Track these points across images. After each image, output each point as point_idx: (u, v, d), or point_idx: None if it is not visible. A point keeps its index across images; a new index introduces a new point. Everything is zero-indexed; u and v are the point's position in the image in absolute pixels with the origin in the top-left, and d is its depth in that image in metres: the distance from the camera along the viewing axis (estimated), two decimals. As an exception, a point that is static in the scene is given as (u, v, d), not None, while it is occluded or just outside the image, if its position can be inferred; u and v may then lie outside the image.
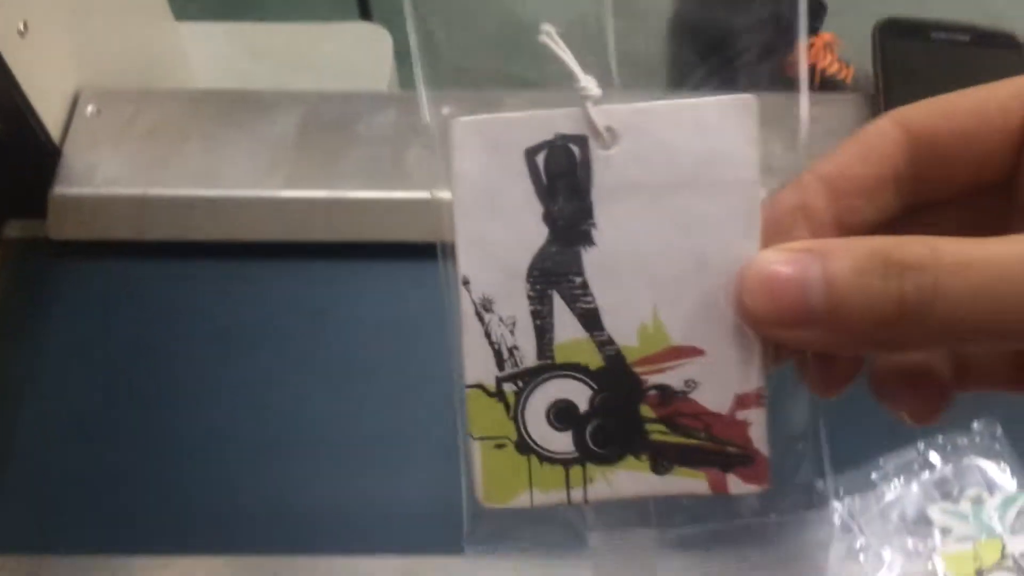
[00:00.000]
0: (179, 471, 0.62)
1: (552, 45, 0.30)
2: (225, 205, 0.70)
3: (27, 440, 0.63)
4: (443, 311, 0.32)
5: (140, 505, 0.61)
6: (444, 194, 0.31)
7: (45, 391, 0.65)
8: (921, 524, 0.56)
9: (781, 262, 0.28)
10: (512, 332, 0.31)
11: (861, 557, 0.55)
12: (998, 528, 0.56)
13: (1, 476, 0.61)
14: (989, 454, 0.59)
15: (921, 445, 0.59)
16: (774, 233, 0.30)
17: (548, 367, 0.31)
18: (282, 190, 0.70)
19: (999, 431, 0.60)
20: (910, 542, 0.55)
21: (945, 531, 0.56)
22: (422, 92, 0.31)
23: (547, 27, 0.30)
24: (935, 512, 0.57)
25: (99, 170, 0.70)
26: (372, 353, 0.66)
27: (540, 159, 0.30)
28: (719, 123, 0.30)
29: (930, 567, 0.54)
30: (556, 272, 0.31)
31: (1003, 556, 0.54)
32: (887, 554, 0.54)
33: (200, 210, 0.69)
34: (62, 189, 0.69)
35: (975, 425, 0.60)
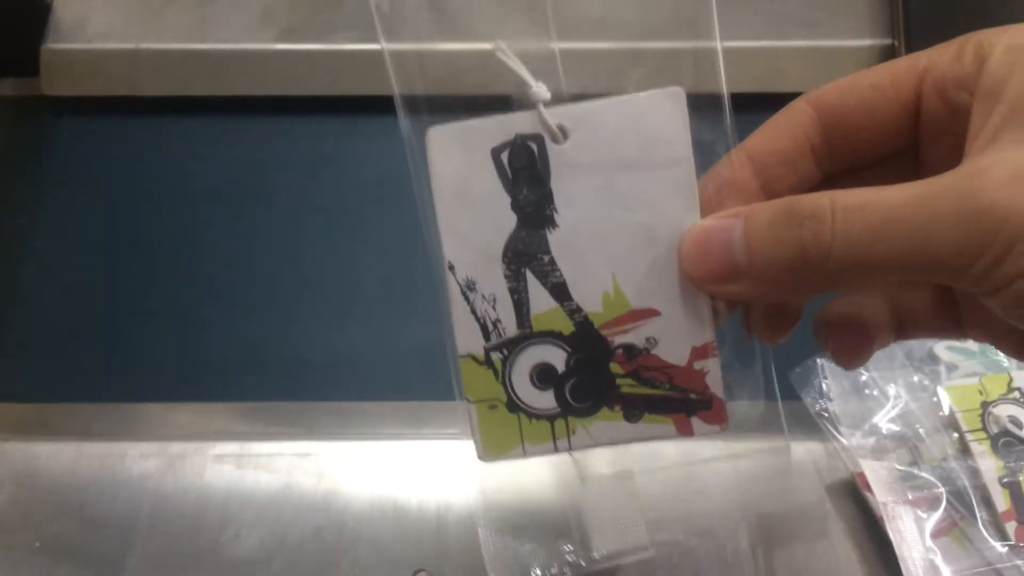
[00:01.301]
0: (179, 323, 0.63)
1: (505, 59, 0.35)
2: (218, 59, 0.69)
3: (29, 294, 0.64)
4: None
5: (143, 356, 0.62)
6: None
7: (44, 248, 0.66)
8: (927, 361, 0.57)
9: (710, 226, 0.33)
10: (494, 307, 0.36)
11: (866, 391, 0.55)
12: (1004, 363, 0.56)
13: (6, 329, 0.63)
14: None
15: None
16: (712, 205, 0.35)
17: (527, 335, 0.36)
18: (276, 43, 0.69)
19: None
20: (916, 378, 0.56)
21: (951, 367, 0.56)
22: (400, 109, 0.36)
23: (500, 43, 0.35)
24: (941, 350, 0.57)
25: (90, 24, 0.69)
26: (369, 206, 0.66)
27: (504, 156, 0.35)
28: (654, 113, 0.35)
29: (935, 400, 0.55)
30: (527, 252, 0.36)
31: (1009, 389, 0.55)
32: (892, 389, 0.55)
33: (193, 64, 0.69)
34: (53, 44, 0.68)
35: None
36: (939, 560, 0.50)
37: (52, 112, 0.70)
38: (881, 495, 0.51)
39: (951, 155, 0.31)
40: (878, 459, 0.53)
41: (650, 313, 0.35)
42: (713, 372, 0.36)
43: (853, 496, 0.52)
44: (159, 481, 0.52)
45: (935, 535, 0.50)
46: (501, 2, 0.35)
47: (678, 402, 0.36)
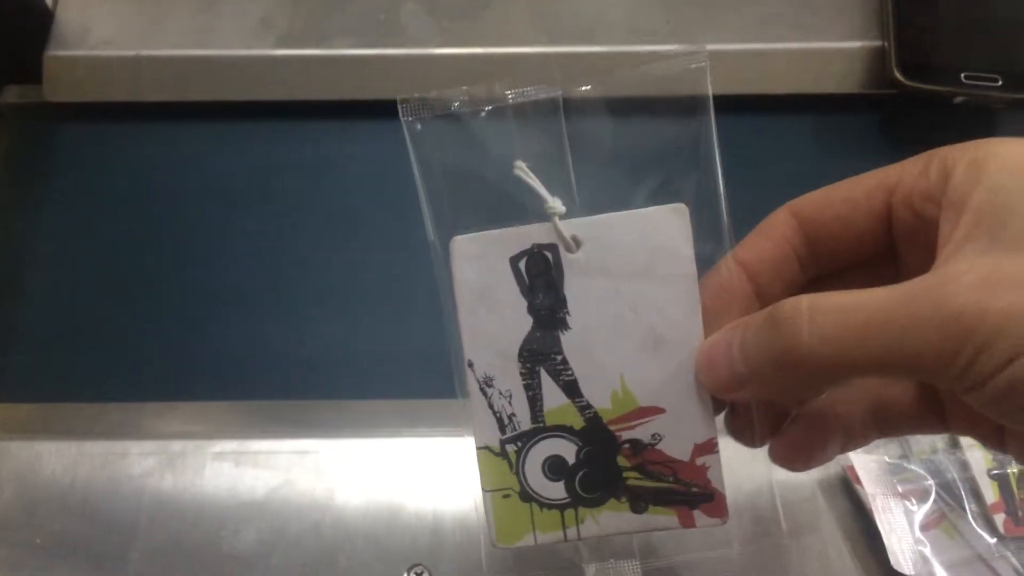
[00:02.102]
0: (180, 324, 0.63)
1: (524, 176, 0.37)
2: (219, 65, 0.69)
3: (32, 297, 0.64)
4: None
5: (143, 357, 0.62)
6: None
7: (47, 251, 0.66)
8: None
9: (715, 341, 0.36)
10: (510, 402, 0.38)
11: None
12: None
13: (9, 331, 0.63)
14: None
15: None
16: (711, 309, 0.37)
17: (540, 429, 0.39)
18: (276, 49, 0.69)
19: None
20: None
21: None
22: (428, 219, 0.38)
23: (519, 163, 0.37)
24: None
25: (92, 32, 0.69)
26: (368, 209, 0.67)
27: (522, 264, 0.38)
28: (660, 227, 0.37)
29: None
30: (541, 352, 0.38)
31: None
32: None
33: (194, 70, 0.69)
34: (56, 51, 0.69)
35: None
36: (928, 552, 0.50)
37: (55, 119, 0.71)
38: (871, 488, 0.51)
39: (927, 259, 0.33)
40: (868, 453, 0.53)
41: (656, 411, 0.38)
42: (714, 467, 0.38)
43: (844, 490, 0.53)
44: (159, 478, 0.53)
45: (925, 527, 0.51)
46: (521, 126, 0.37)
47: (682, 495, 0.38)
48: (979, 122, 0.70)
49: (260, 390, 0.60)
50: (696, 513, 0.38)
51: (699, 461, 0.38)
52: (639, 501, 0.38)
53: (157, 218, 0.67)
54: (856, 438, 0.38)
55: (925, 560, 0.49)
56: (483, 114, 0.38)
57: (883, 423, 0.38)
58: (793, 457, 0.38)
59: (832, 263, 0.38)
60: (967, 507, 0.52)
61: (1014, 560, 0.50)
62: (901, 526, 0.50)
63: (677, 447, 0.38)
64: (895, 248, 0.37)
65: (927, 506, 0.52)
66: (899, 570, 0.48)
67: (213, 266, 0.65)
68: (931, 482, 0.52)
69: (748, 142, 0.68)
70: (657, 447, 0.38)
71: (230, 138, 0.70)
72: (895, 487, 0.52)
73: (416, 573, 0.49)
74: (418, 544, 0.50)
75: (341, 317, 0.63)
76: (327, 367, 0.61)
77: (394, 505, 0.52)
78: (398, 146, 0.65)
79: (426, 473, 0.53)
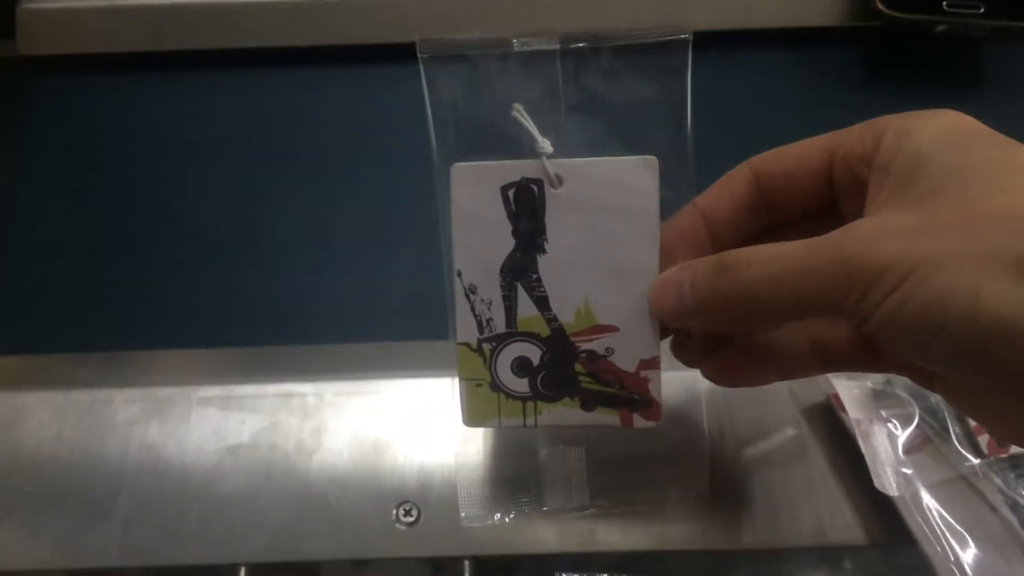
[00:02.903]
0: (161, 273, 0.64)
1: (520, 118, 0.43)
2: (192, 13, 0.69)
3: (12, 250, 0.65)
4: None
5: (125, 306, 0.63)
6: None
7: (27, 206, 0.67)
8: None
9: (669, 277, 0.42)
10: (489, 309, 0.45)
11: None
12: None
13: None
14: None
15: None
16: (670, 250, 0.44)
17: (513, 333, 0.45)
18: None
19: None
20: None
21: None
22: (434, 149, 0.44)
23: (517, 105, 0.43)
24: None
25: None
26: (346, 154, 0.68)
27: (511, 193, 0.44)
28: (633, 174, 0.43)
29: None
30: (520, 270, 0.45)
31: None
32: None
33: (168, 19, 0.69)
34: (29, 4, 0.69)
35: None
36: (912, 474, 0.51)
37: (30, 72, 0.71)
38: (855, 413, 0.52)
39: (862, 215, 0.39)
40: (852, 379, 0.54)
41: (611, 329, 0.45)
42: (655, 381, 0.45)
43: (829, 418, 0.54)
44: (145, 425, 0.54)
45: (909, 451, 0.52)
46: (522, 72, 0.43)
47: (625, 400, 0.46)
48: (963, 51, 0.73)
49: (243, 336, 0.61)
50: (635, 416, 0.45)
51: (643, 374, 0.45)
52: (589, 401, 0.46)
53: (135, 168, 0.68)
54: (796, 371, 0.44)
55: (909, 481, 0.51)
56: (491, 58, 0.44)
57: (823, 360, 0.44)
58: (723, 377, 0.44)
59: (783, 215, 0.43)
60: (951, 430, 0.52)
61: (997, 479, 0.51)
62: (885, 450, 0.52)
63: (626, 360, 0.45)
64: (837, 204, 0.42)
65: (911, 430, 0.53)
66: (883, 491, 0.50)
67: (193, 215, 0.66)
68: (915, 407, 0.53)
69: (731, 77, 0.71)
70: (609, 359, 0.45)
71: (206, 87, 0.71)
72: (879, 412, 0.53)
73: (405, 510, 0.51)
74: (406, 483, 0.52)
75: (323, 262, 0.65)
76: (310, 312, 0.63)
77: (381, 445, 0.53)
78: (374, 92, 0.68)
79: (411, 413, 0.55)
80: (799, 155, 0.42)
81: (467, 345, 0.46)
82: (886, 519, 0.51)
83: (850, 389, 0.53)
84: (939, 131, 0.37)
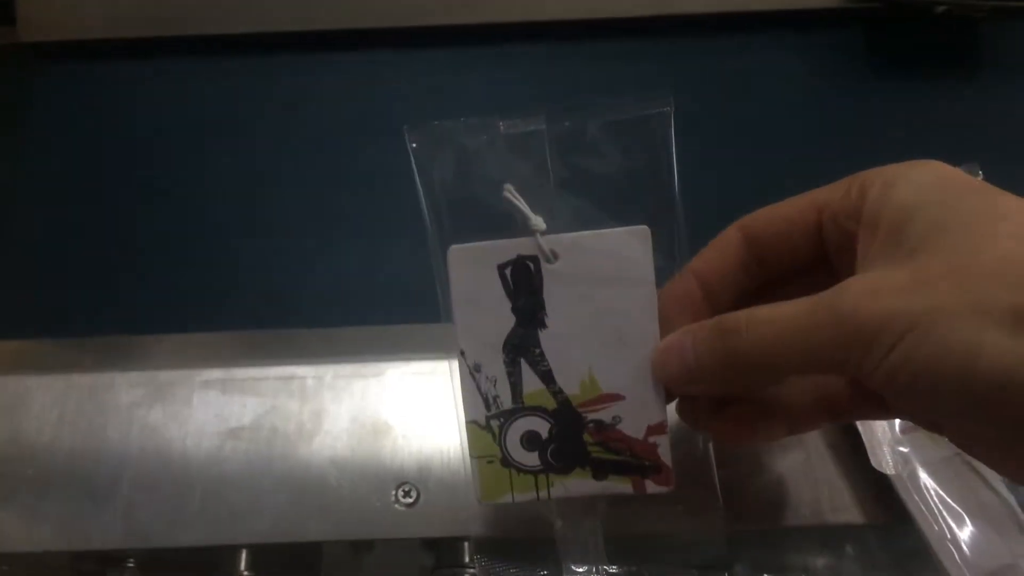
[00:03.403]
0: (163, 258, 0.65)
1: (512, 198, 0.44)
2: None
3: (15, 237, 0.66)
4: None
5: (127, 291, 0.64)
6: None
7: (30, 192, 0.68)
8: None
9: (670, 343, 0.43)
10: (494, 386, 0.46)
11: None
12: None
13: None
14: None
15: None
16: (668, 315, 0.45)
17: (520, 409, 0.46)
18: None
19: (980, 174, 0.59)
20: None
21: None
22: (431, 231, 0.45)
23: (508, 186, 0.44)
24: None
25: None
26: (347, 139, 0.69)
27: (508, 272, 0.45)
28: (625, 245, 0.44)
29: None
30: (522, 345, 0.45)
31: None
32: None
33: (167, 5, 0.70)
34: None
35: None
36: (909, 453, 0.52)
37: (31, 59, 0.72)
38: None
39: (854, 269, 0.39)
40: None
41: (617, 397, 0.45)
42: (663, 446, 0.46)
43: None
44: (147, 408, 0.54)
45: (905, 431, 0.53)
46: (511, 152, 0.44)
47: (635, 467, 0.46)
48: (962, 32, 0.74)
49: (244, 320, 0.62)
50: (647, 482, 0.46)
51: (651, 439, 0.45)
52: (600, 470, 0.46)
53: (136, 153, 0.69)
54: (804, 424, 0.45)
55: (906, 460, 0.51)
56: (478, 140, 0.45)
57: (831, 412, 0.44)
58: (731, 436, 0.45)
59: (777, 272, 0.44)
60: None
61: None
62: (881, 429, 0.53)
63: (633, 427, 0.45)
64: (829, 260, 0.43)
65: None
66: (880, 470, 0.51)
67: (194, 200, 0.67)
68: None
69: (731, 60, 0.72)
70: (617, 427, 0.45)
71: (206, 72, 0.72)
72: None
73: (404, 491, 0.52)
74: (405, 464, 0.53)
75: (323, 247, 0.65)
76: (309, 296, 0.63)
77: (380, 427, 0.54)
78: (375, 78, 0.69)
79: (410, 395, 0.55)
80: (787, 214, 0.43)
81: (475, 423, 0.46)
82: (884, 499, 0.51)
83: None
84: (924, 184, 0.38)
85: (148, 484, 0.52)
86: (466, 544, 0.51)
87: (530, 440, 0.46)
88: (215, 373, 0.55)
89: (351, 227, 0.66)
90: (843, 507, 0.52)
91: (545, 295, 0.45)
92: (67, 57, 0.71)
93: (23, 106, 0.71)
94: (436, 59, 0.73)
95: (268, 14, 0.70)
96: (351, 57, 0.72)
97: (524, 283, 0.45)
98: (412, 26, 0.72)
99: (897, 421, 0.52)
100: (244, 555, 0.51)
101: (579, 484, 0.46)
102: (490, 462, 0.46)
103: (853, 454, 0.53)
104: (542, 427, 0.46)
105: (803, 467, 0.53)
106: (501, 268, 0.45)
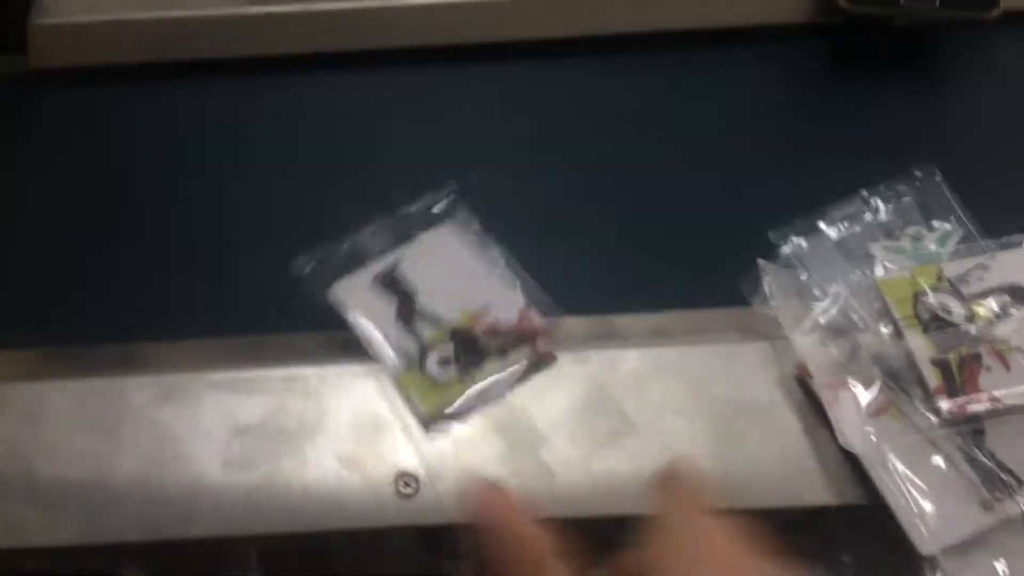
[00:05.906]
0: (169, 273, 0.66)
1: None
2: (195, 24, 0.72)
3: (26, 255, 0.67)
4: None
5: (137, 304, 0.64)
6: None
7: (41, 216, 0.68)
8: (863, 260, 0.60)
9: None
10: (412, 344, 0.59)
11: (809, 291, 0.59)
12: (935, 258, 0.60)
13: (7, 286, 0.66)
14: (929, 197, 0.63)
15: (864, 193, 0.63)
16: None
17: (425, 347, 0.59)
18: (249, 7, 0.71)
19: (938, 176, 0.63)
20: (854, 275, 0.60)
21: (886, 264, 0.60)
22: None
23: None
24: (876, 249, 0.61)
25: None
26: (349, 156, 0.71)
27: (379, 280, 0.62)
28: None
29: (872, 293, 0.58)
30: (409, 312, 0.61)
31: (939, 280, 0.58)
32: (833, 287, 0.59)
33: (171, 31, 0.71)
34: (40, 19, 0.71)
35: (915, 172, 0.64)
36: (876, 435, 0.54)
37: (41, 85, 0.73)
38: (820, 379, 0.55)
39: None
40: (818, 347, 0.57)
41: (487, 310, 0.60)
42: (537, 317, 0.59)
43: (798, 388, 0.57)
44: (158, 409, 0.56)
45: (872, 414, 0.54)
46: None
47: (526, 337, 0.59)
48: (922, 44, 0.76)
49: (249, 326, 0.63)
50: (538, 341, 0.59)
51: (526, 317, 0.60)
52: (502, 352, 0.58)
53: (144, 174, 0.71)
54: None
55: (872, 442, 0.54)
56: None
57: None
58: None
59: None
60: (912, 393, 0.55)
61: (956, 438, 0.54)
62: (849, 413, 0.55)
63: (508, 316, 0.60)
64: None
65: (874, 393, 0.55)
66: (848, 449, 0.54)
67: (198, 219, 0.69)
68: (877, 371, 0.56)
69: (695, 77, 0.74)
70: (500, 320, 0.60)
71: (210, 95, 0.74)
72: (844, 378, 0.56)
73: (405, 482, 0.54)
74: (407, 455, 0.55)
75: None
76: (311, 303, 0.62)
77: (382, 420, 0.57)
78: (368, 98, 0.73)
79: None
80: None
81: (408, 372, 0.58)
82: (855, 479, 0.54)
83: (815, 357, 0.57)
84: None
85: (160, 483, 0.54)
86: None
87: (442, 361, 0.58)
88: (223, 375, 0.58)
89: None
90: (818, 487, 0.55)
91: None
92: (76, 82, 0.73)
93: (35, 129, 0.73)
94: (417, 78, 0.75)
95: (268, 38, 0.73)
96: (350, 78, 0.75)
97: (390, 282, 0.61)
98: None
99: (864, 403, 0.55)
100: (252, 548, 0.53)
101: (492, 368, 0.58)
102: (423, 388, 0.57)
103: (825, 437, 0.55)
104: (448, 350, 0.59)
105: (779, 452, 0.56)
106: (373, 281, 0.62)
